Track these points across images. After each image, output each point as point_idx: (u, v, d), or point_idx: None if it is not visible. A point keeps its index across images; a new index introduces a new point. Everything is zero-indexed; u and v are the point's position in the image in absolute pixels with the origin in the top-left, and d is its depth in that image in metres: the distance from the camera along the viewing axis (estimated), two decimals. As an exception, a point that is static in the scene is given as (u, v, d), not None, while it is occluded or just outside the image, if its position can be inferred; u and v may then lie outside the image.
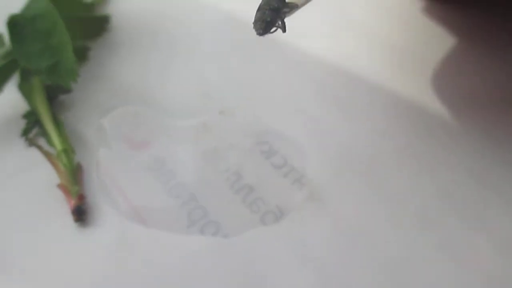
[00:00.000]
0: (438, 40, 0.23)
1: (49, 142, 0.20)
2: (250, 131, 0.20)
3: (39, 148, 0.20)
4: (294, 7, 0.15)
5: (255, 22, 0.15)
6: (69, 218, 0.18)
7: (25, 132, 0.20)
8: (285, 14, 0.15)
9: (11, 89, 0.21)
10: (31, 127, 0.21)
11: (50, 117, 0.20)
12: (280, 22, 0.15)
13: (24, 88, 0.21)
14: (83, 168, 0.19)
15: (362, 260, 0.17)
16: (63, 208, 0.18)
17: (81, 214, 0.18)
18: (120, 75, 0.23)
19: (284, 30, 0.15)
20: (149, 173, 0.19)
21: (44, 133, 0.20)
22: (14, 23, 0.21)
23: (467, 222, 0.18)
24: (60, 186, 0.19)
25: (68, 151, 0.19)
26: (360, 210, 0.18)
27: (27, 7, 0.22)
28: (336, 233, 0.18)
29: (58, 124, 0.20)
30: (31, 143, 0.20)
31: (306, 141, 0.20)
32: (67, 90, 0.22)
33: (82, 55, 0.23)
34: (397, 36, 0.24)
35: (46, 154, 0.20)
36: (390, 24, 0.24)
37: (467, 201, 0.18)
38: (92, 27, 0.25)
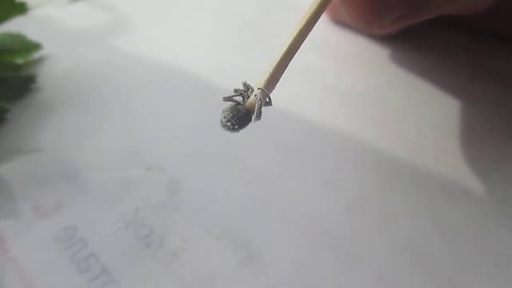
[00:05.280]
0: (401, 83, 0.22)
1: None
2: (181, 188, 0.18)
3: None
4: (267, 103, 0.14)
5: (221, 122, 0.14)
6: None
7: None
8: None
9: None
10: None
11: None
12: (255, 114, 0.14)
13: None
14: (-21, 243, 0.16)
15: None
16: None
17: (-38, 299, 0.15)
18: (41, 137, 0.20)
19: (258, 118, 0.14)
20: (56, 244, 0.16)
21: None
22: None
23: (434, 280, 0.15)
24: None
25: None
26: (307, 270, 0.15)
27: None
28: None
29: (-45, 192, 0.17)
30: None
31: (245, 199, 0.17)
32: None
33: (-1, 117, 0.21)
34: (363, 83, 0.22)
35: None
36: (358, 71, 0.22)
37: (432, 255, 0.15)
38: (14, 88, 0.22)
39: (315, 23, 0.15)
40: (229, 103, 0.13)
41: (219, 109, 0.21)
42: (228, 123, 0.13)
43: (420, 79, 0.22)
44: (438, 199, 0.17)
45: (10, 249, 0.16)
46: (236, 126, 0.13)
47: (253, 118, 0.13)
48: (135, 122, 0.21)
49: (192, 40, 0.25)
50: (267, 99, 0.14)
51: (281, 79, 0.14)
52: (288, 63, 0.14)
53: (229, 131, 0.13)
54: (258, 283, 0.15)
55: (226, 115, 0.13)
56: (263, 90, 0.13)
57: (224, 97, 0.13)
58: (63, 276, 0.15)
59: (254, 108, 0.13)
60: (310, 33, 0.15)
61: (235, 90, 0.14)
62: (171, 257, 0.16)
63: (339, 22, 0.25)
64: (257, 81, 0.14)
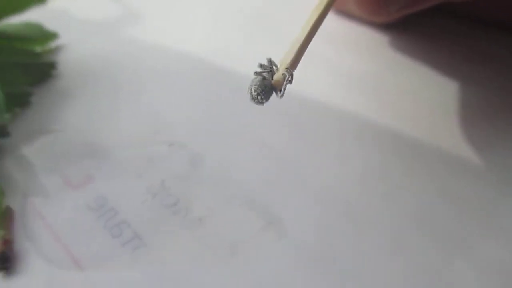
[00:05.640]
0: (401, 68, 0.23)
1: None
2: (203, 161, 0.19)
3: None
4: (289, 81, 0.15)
5: (249, 92, 0.15)
6: (-8, 267, 0.16)
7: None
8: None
9: None
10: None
11: (-20, 161, 0.19)
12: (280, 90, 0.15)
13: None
14: (14, 213, 0.17)
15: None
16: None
17: (5, 261, 0.16)
18: (64, 119, 0.21)
19: (281, 95, 0.15)
20: (89, 213, 0.17)
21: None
22: None
23: (442, 244, 0.16)
24: (-16, 232, 0.16)
25: (-3, 194, 0.17)
26: (324, 234, 0.16)
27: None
28: (297, 262, 0.16)
29: (-11, 167, 0.18)
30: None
31: (264, 172, 0.18)
32: (4, 134, 0.20)
33: (23, 100, 0.22)
34: (364, 66, 0.23)
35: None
36: (358, 56, 0.24)
37: (440, 222, 0.17)
38: (36, 73, 0.23)
39: (330, 8, 0.17)
40: (256, 78, 0.15)
41: (232, 90, 0.22)
42: (258, 97, 0.14)
43: (420, 64, 0.23)
44: (440, 171, 0.19)
45: (46, 217, 0.17)
46: (264, 100, 0.14)
47: (279, 94, 0.15)
48: (152, 105, 0.22)
49: (202, 27, 0.26)
50: (291, 78, 0.15)
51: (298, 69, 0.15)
52: (308, 45, 0.16)
53: (255, 103, 0.14)
54: (279, 247, 0.16)
55: (256, 89, 0.14)
56: (289, 69, 0.15)
57: (255, 72, 0.15)
58: (97, 241, 0.16)
59: (280, 85, 0.15)
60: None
61: (261, 66, 0.15)
62: (197, 224, 0.17)
63: (342, 12, 0.27)
64: (281, 60, 0.15)
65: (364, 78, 0.22)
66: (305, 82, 0.22)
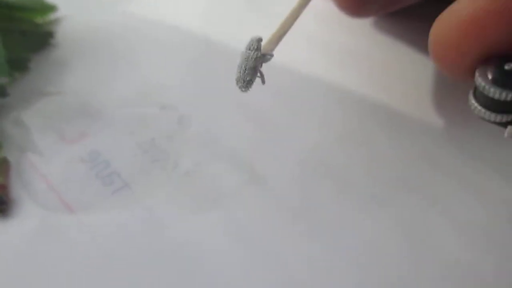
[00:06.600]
0: (385, 46, 0.24)
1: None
2: (192, 122, 0.20)
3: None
4: (269, 59, 0.16)
5: (236, 81, 0.15)
6: (-13, 209, 0.17)
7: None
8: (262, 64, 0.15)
9: None
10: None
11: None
12: (259, 75, 0.15)
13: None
14: (10, 164, 0.18)
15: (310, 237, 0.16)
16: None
17: (1, 204, 0.16)
18: (61, 83, 0.22)
19: (263, 82, 0.16)
20: (82, 165, 0.18)
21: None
22: None
23: (420, 200, 0.17)
24: (-19, 178, 0.17)
25: (-5, 144, 0.18)
26: (304, 191, 0.17)
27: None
28: (277, 214, 0.17)
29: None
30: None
31: (248, 133, 0.19)
32: (3, 94, 0.21)
33: (22, 65, 0.23)
34: (352, 44, 0.24)
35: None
36: (345, 35, 0.25)
37: (420, 182, 0.18)
38: (35, 41, 0.24)
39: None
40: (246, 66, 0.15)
41: (221, 60, 0.23)
42: (246, 87, 0.15)
43: (403, 43, 0.24)
44: (417, 135, 0.20)
45: (40, 169, 0.18)
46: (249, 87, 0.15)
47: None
48: (147, 71, 0.23)
49: (198, 4, 0.27)
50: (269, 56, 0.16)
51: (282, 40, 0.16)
52: (289, 28, 0.17)
53: (242, 90, 0.15)
54: (261, 200, 0.17)
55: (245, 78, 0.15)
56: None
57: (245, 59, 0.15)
58: (89, 189, 0.17)
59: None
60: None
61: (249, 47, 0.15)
62: (185, 177, 0.18)
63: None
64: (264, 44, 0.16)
65: (348, 53, 0.23)
66: (293, 56, 0.23)
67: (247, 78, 0.15)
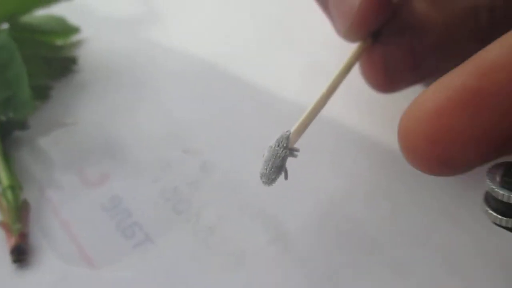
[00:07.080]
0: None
1: (-4, 178, 0.18)
2: (215, 169, 0.19)
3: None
4: (295, 156, 0.15)
5: (261, 175, 0.15)
6: (7, 258, 0.16)
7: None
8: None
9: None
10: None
11: (-1, 153, 0.19)
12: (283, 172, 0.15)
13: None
14: (30, 207, 0.18)
15: None
16: (1, 248, 0.16)
17: (20, 253, 0.16)
18: (82, 113, 0.22)
19: (286, 178, 0.15)
20: (103, 213, 0.18)
21: (-8, 169, 0.19)
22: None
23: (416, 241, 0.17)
24: (1, 223, 0.17)
25: (15, 187, 0.18)
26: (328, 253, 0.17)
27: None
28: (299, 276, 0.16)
29: (8, 160, 0.19)
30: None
31: (276, 184, 0.19)
32: (24, 126, 0.21)
33: (43, 93, 0.23)
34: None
35: (-9, 191, 0.18)
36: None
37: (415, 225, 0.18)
38: (57, 67, 0.24)
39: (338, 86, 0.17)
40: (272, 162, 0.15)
41: (248, 99, 0.22)
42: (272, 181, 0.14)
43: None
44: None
45: (60, 214, 0.18)
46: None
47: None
48: (169, 106, 0.22)
49: (222, 31, 0.27)
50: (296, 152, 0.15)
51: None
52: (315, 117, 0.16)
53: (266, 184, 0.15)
54: (284, 261, 0.17)
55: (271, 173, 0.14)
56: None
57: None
58: (110, 241, 0.17)
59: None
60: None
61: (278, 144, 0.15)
62: (207, 232, 0.17)
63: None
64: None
65: (378, 104, 0.23)
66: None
67: (273, 176, 0.14)
